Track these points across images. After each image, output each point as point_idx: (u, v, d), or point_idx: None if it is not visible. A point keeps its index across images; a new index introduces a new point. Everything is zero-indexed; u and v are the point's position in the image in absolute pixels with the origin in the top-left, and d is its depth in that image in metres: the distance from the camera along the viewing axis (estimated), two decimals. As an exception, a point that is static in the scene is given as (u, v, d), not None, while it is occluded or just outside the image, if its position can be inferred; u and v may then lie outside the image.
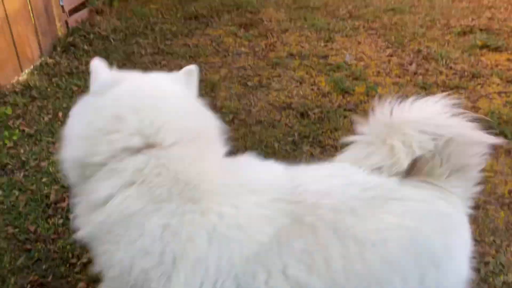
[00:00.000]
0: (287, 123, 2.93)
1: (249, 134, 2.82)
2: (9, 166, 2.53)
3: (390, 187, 1.22)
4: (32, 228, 2.12)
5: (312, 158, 2.63)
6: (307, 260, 1.11)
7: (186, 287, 1.11)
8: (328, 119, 2.97)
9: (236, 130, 2.84)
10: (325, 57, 3.85)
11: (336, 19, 4.65)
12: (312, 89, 3.36)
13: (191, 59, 3.77)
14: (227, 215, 1.12)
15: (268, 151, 2.66)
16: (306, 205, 1.15)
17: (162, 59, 3.75)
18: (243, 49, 3.98)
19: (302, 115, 3.02)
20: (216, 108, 3.08)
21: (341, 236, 1.12)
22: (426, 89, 3.32)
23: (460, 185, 1.28)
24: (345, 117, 3.00)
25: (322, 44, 4.09)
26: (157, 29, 4.32)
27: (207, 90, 3.32)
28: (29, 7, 3.57)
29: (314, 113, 3.02)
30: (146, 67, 3.58)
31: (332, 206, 1.15)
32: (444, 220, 1.23)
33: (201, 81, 3.36)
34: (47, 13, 3.78)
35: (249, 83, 3.43)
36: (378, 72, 3.61)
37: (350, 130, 2.80)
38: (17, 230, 2.12)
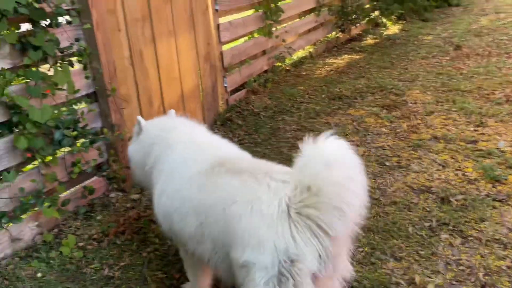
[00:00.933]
0: (425, 207, 2.80)
1: (382, 214, 2.78)
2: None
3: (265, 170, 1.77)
4: (177, 276, 2.41)
5: (451, 248, 2.44)
6: (199, 185, 1.87)
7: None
8: (473, 207, 2.74)
9: (367, 208, 2.82)
10: (474, 142, 3.61)
11: (490, 103, 4.36)
12: (456, 174, 3.16)
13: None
14: (189, 149, 2.10)
15: (400, 234, 2.57)
16: (223, 164, 1.86)
17: (303, 135, 4.01)
18: (383, 129, 4.02)
19: (442, 200, 2.85)
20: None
21: (214, 184, 1.80)
22: None
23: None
24: (494, 207, 2.74)
25: (472, 128, 3.86)
26: (303, 108, 4.69)
27: (344, 167, 3.40)
28: (200, 88, 4.30)
29: (456, 200, 2.83)
30: (288, 142, 3.89)
31: (227, 169, 1.82)
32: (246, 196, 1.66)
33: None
34: (213, 92, 4.48)
35: (387, 163, 3.42)
36: (540, 161, 3.22)
37: (500, 222, 2.58)
38: (165, 276, 2.43)
